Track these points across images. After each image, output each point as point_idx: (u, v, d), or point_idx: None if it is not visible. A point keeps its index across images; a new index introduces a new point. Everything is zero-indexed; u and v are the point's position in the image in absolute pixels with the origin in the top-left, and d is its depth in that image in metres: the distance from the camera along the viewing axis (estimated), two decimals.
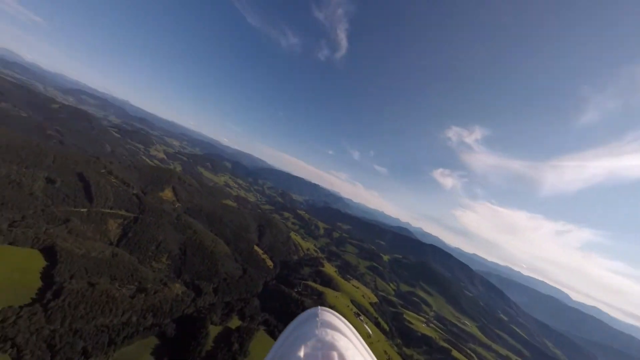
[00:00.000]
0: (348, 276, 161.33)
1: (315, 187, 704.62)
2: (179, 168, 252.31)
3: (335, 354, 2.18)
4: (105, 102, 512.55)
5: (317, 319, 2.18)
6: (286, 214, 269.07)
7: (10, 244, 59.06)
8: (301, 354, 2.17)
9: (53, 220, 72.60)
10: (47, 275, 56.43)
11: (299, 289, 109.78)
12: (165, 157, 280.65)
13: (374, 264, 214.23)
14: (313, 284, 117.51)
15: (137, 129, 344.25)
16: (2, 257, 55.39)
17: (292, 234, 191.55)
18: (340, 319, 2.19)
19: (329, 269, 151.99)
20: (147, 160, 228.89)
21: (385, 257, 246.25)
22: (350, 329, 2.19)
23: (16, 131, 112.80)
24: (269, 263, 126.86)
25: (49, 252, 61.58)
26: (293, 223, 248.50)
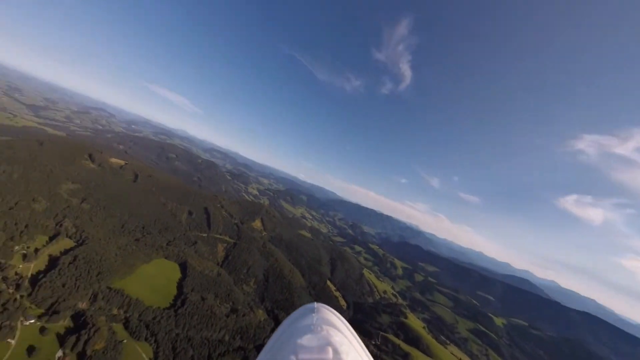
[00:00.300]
0: (442, 337, 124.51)
1: (388, 219, 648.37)
2: (266, 202, 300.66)
3: (330, 349, 2.24)
4: (225, 155, 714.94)
5: (313, 314, 2.24)
6: (357, 248, 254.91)
7: (165, 257, 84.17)
8: (296, 348, 2.23)
9: (188, 242, 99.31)
10: (180, 286, 74.71)
11: (377, 342, 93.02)
12: (257, 193, 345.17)
13: (481, 328, 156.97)
14: (395, 339, 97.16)
15: (241, 172, 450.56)
16: (160, 267, 78.97)
17: (366, 272, 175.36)
18: (336, 316, 2.25)
19: (415, 322, 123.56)
20: (245, 196, 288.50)
21: (499, 321, 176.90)
22: (346, 326, 2.25)
23: (179, 178, 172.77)
24: (342, 302, 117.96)
25: (183, 267, 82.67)
26: (366, 259, 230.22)
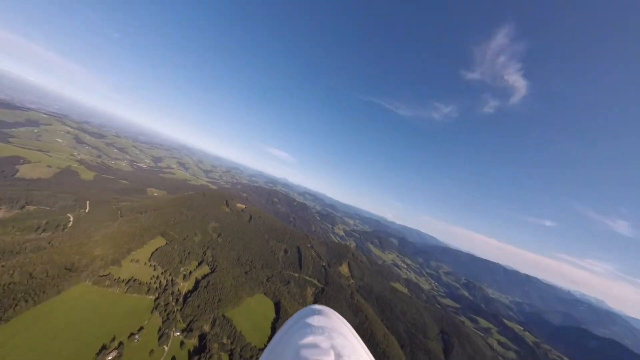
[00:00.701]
0: None
1: (529, 281, 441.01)
2: (352, 244, 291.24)
3: (332, 352, 2.26)
4: (315, 197, 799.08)
5: (316, 316, 2.26)
6: (483, 322, 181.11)
7: (264, 293, 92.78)
8: (299, 349, 2.24)
9: (283, 280, 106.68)
10: (273, 327, 77.33)
11: None
12: (344, 234, 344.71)
13: None
14: None
15: (328, 213, 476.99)
16: (260, 303, 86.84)
17: None
18: (340, 319, 2.25)
19: None
20: (332, 236, 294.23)
21: None
22: (350, 330, 2.25)
23: (279, 219, 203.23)
24: None
25: (277, 307, 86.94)
26: (502, 344, 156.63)
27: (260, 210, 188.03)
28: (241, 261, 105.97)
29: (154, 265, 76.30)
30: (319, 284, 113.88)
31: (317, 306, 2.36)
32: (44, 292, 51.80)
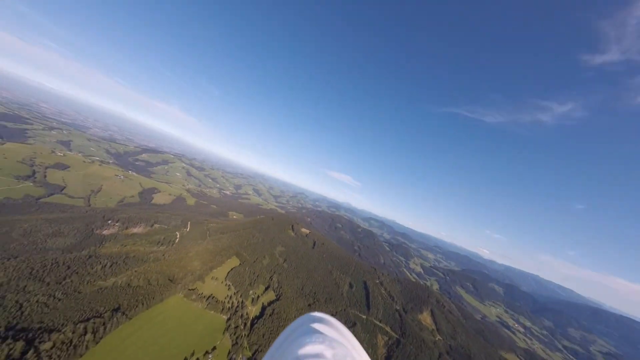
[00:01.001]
0: None
1: None
2: (435, 285, 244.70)
3: None
4: (382, 223, 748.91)
5: (315, 324, 2.29)
6: None
7: None
8: (297, 358, 2.28)
9: (348, 321, 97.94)
10: None
11: None
12: (422, 270, 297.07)
13: None
14: None
15: (400, 243, 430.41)
16: None
17: None
18: (339, 326, 2.29)
19: None
20: (407, 273, 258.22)
21: None
22: (350, 338, 2.28)
23: (343, 247, 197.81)
24: None
25: None
26: None
27: (323, 236, 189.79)
28: (305, 291, 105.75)
29: (229, 285, 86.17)
30: (392, 333, 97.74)
31: (316, 313, 2.36)
32: (153, 298, 66.28)
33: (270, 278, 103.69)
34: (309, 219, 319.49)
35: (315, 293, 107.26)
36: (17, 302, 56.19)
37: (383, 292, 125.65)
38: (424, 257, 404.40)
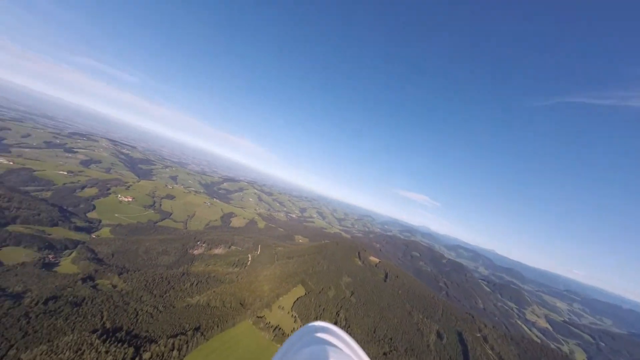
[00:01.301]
0: None
1: None
2: (580, 355, 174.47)
3: None
4: (475, 254, 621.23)
5: (318, 334, 2.34)
6: None
7: None
8: None
9: None
10: None
11: None
12: (549, 326, 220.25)
13: None
14: None
15: (506, 282, 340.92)
16: None
17: None
18: (342, 336, 2.34)
19: None
20: (523, 327, 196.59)
21: None
22: (353, 347, 2.30)
23: (424, 282, 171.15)
24: None
25: None
26: None
27: (396, 267, 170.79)
28: (378, 335, 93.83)
29: (295, 317, 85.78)
30: None
31: (319, 323, 2.37)
32: (226, 321, 72.36)
33: (337, 314, 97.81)
34: (377, 245, 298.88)
35: (391, 339, 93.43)
36: (135, 309, 72.03)
37: (489, 352, 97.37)
38: (550, 307, 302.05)
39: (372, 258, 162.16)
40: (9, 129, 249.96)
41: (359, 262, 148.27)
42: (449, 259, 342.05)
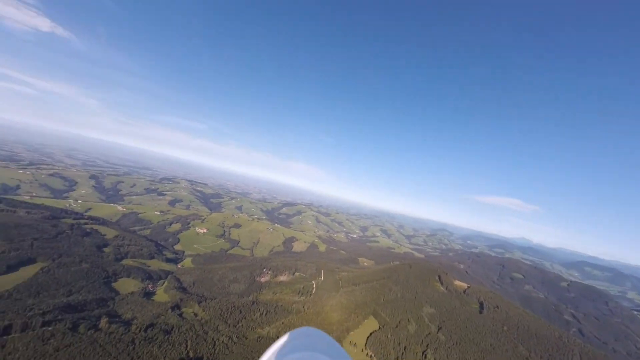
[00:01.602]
0: None
1: None
2: None
3: None
4: (615, 272, 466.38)
5: (303, 339, 2.38)
6: None
7: None
8: None
9: None
10: None
11: None
12: None
13: None
14: None
15: None
16: None
17: None
18: (328, 340, 2.38)
19: None
20: None
21: None
22: (340, 351, 2.26)
23: (537, 313, 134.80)
24: None
25: None
26: None
27: (493, 293, 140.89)
28: None
29: (371, 356, 77.75)
30: None
31: (305, 328, 2.48)
32: None
33: (424, 354, 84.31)
34: (461, 266, 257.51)
35: None
36: (212, 339, 78.33)
37: None
38: None
39: (457, 282, 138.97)
40: (123, 182, 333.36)
41: (441, 288, 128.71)
42: (571, 281, 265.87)
